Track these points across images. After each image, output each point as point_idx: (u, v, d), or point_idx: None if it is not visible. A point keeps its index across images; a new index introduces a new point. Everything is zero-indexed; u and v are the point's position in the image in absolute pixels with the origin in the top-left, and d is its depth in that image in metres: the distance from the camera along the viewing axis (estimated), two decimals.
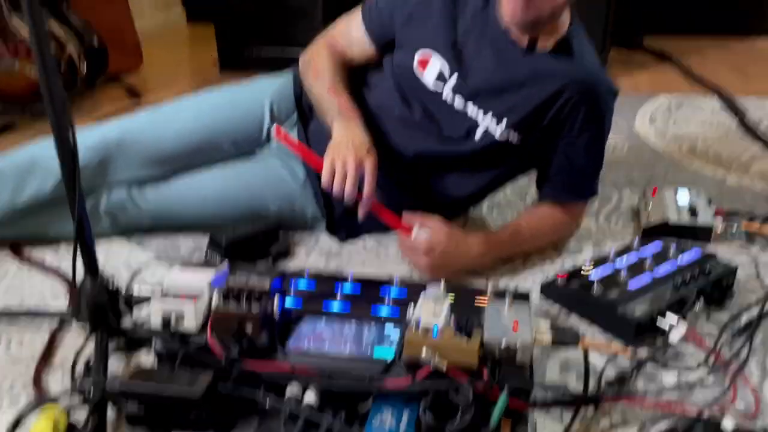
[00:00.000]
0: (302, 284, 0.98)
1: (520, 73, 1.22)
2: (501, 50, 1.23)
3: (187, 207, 1.34)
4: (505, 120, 1.22)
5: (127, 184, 1.32)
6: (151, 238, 1.36)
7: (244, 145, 1.39)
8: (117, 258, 1.29)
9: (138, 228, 1.36)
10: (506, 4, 1.15)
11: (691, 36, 3.26)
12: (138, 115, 1.38)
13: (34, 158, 1.25)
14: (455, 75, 1.24)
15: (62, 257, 1.28)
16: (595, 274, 1.15)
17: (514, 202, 1.56)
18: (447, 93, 1.25)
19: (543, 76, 1.21)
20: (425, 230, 1.19)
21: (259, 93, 1.42)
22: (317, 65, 1.33)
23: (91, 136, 1.29)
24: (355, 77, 1.36)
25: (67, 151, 0.88)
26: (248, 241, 1.26)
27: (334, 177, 1.12)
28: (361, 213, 1.16)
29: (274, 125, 1.19)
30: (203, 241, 1.31)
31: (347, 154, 1.13)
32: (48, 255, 1.29)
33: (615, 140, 1.97)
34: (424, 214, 1.22)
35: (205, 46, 3.31)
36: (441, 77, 1.25)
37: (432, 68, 1.26)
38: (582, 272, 1.16)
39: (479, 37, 1.24)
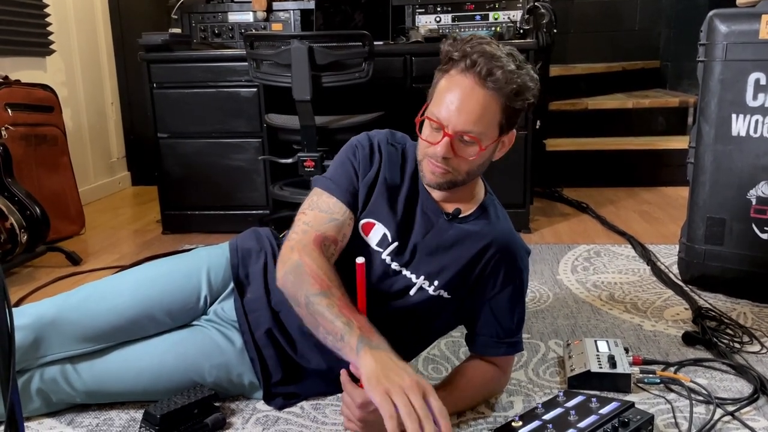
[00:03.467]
0: None
1: (448, 237, 1.34)
2: (431, 218, 1.35)
3: (121, 381, 1.34)
4: (436, 281, 1.32)
5: (60, 361, 1.32)
6: (82, 416, 1.34)
7: (181, 316, 1.42)
8: None
9: (71, 405, 1.35)
10: (426, 168, 1.28)
11: (605, 187, 3.58)
12: (75, 292, 1.41)
13: None
14: (395, 243, 1.34)
15: None
16: (524, 430, 1.19)
17: (450, 358, 1.62)
18: (386, 256, 1.35)
19: (468, 236, 1.33)
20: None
21: (197, 265, 1.46)
22: (315, 272, 1.17)
23: (26, 315, 1.31)
24: None
25: (2, 337, 0.90)
26: (183, 413, 1.26)
27: (398, 414, 0.96)
28: None
29: (360, 259, 1.08)
30: (138, 414, 1.30)
31: (405, 385, 0.99)
32: None
33: (540, 289, 2.10)
34: None
35: (148, 208, 3.41)
36: (382, 243, 1.34)
37: (375, 234, 1.35)
38: (512, 428, 1.21)
39: (414, 206, 1.36)
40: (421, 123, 1.27)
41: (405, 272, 1.34)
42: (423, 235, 1.34)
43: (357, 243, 1.35)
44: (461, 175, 1.28)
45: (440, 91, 1.23)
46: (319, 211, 1.30)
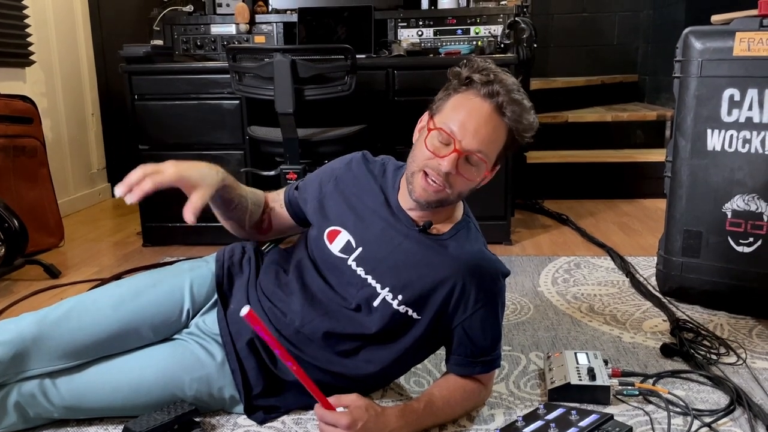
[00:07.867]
0: None
1: (416, 253, 1.35)
2: (401, 229, 1.37)
3: (100, 396, 1.32)
4: (400, 296, 1.33)
5: (39, 375, 1.30)
6: None
7: (163, 330, 1.41)
8: None
9: (48, 420, 1.33)
10: (418, 183, 1.30)
11: (585, 199, 3.62)
12: (55, 307, 1.38)
13: None
14: (360, 249, 1.37)
15: None
16: None
17: (431, 371, 1.62)
18: (351, 262, 1.37)
19: (436, 261, 1.34)
20: (344, 408, 1.22)
21: (180, 278, 1.46)
22: None
23: (6, 331, 1.29)
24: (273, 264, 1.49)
25: None
26: (163, 429, 1.25)
27: None
28: None
29: (247, 308, 1.07)
30: (117, 431, 1.29)
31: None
32: None
33: (521, 301, 2.11)
34: (340, 394, 1.25)
35: (129, 219, 3.38)
36: (347, 249, 1.38)
37: (339, 241, 1.39)
38: None
39: (382, 215, 1.39)
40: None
41: (370, 280, 1.35)
42: (392, 249, 1.36)
43: (322, 251, 1.40)
44: (453, 195, 1.31)
45: (454, 108, 1.27)
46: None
